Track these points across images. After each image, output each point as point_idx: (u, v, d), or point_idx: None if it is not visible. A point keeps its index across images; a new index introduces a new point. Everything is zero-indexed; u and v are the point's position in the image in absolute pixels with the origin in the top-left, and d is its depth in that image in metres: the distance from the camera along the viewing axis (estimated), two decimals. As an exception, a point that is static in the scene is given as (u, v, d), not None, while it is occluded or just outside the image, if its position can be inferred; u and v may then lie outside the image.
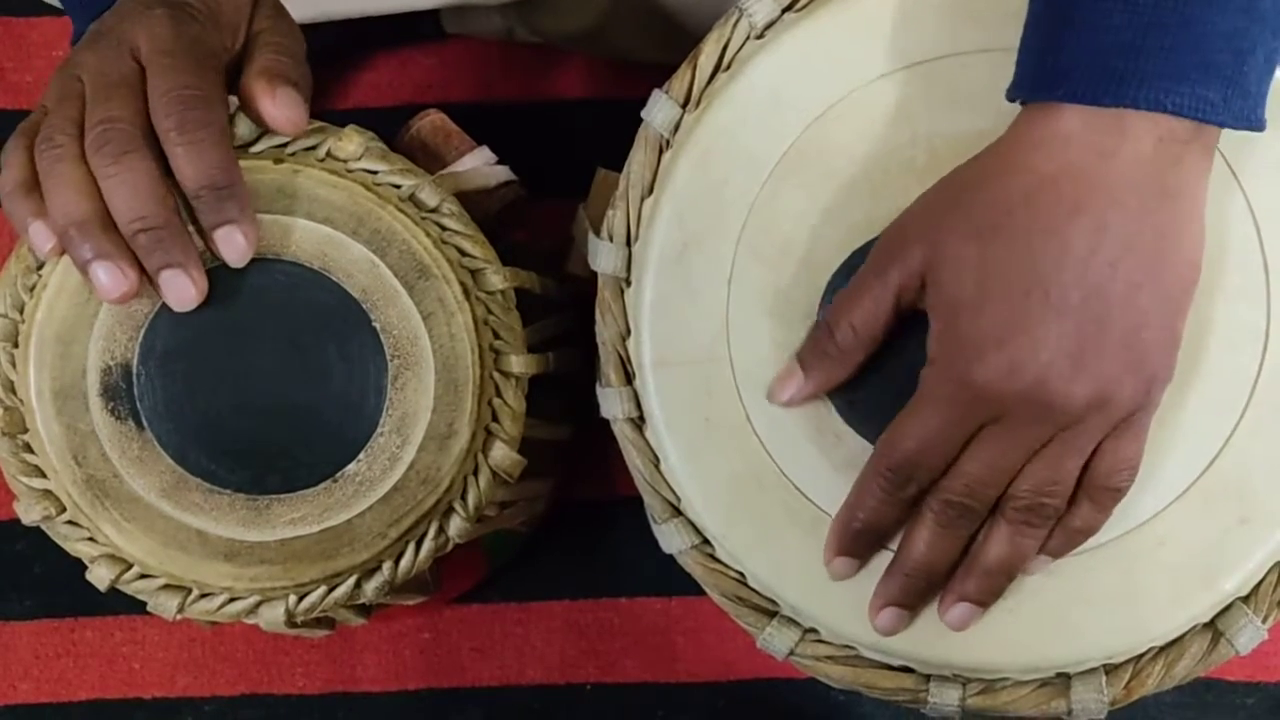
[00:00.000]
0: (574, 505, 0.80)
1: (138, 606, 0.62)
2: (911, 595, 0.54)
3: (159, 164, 0.55)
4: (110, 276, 0.55)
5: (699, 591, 0.58)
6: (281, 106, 0.57)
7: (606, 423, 0.59)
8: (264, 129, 0.59)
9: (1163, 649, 0.55)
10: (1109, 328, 0.48)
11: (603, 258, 0.58)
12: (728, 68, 0.57)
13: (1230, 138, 0.53)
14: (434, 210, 0.60)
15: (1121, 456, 0.51)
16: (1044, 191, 0.47)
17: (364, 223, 0.59)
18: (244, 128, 0.59)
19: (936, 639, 0.55)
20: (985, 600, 0.54)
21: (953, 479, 0.51)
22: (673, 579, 0.60)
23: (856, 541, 0.54)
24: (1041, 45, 0.48)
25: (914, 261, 0.50)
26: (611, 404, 0.58)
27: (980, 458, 0.51)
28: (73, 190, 0.54)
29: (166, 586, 0.61)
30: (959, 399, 0.50)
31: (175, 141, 0.54)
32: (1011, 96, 0.50)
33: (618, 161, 0.59)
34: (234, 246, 0.56)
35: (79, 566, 0.61)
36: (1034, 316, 0.47)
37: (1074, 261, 0.47)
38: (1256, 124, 0.48)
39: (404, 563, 0.60)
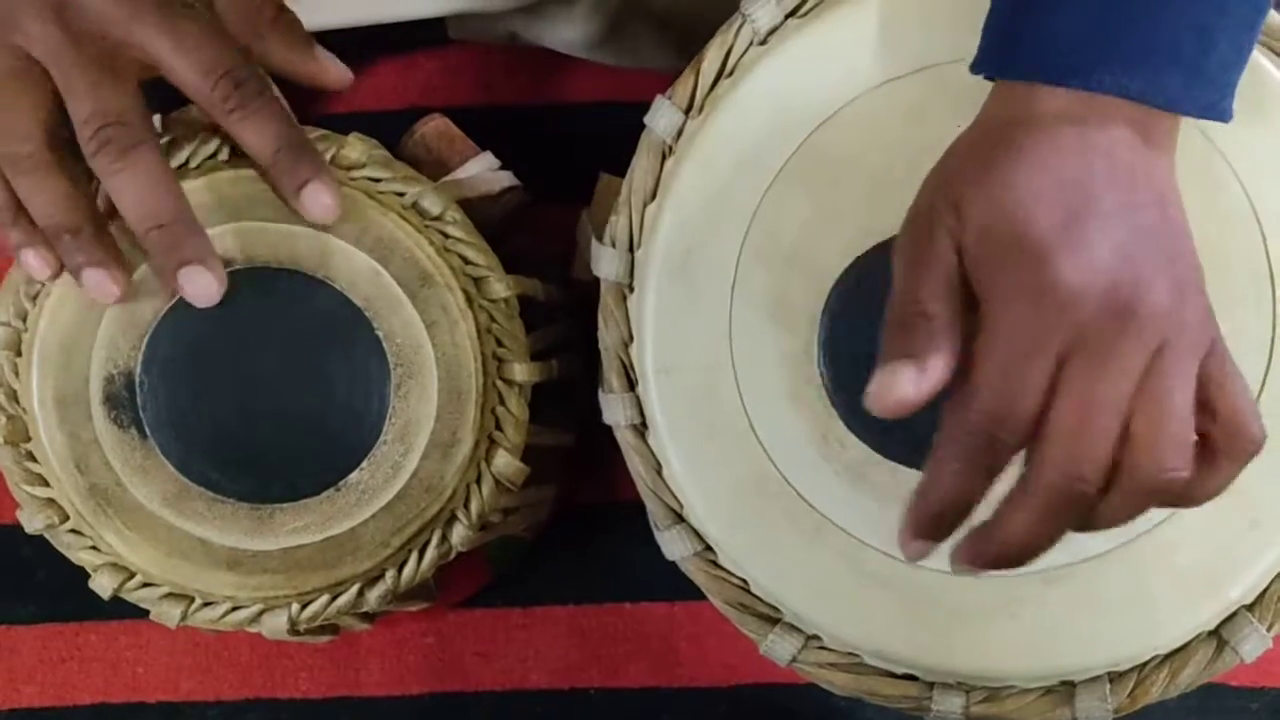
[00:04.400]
0: (577, 510, 0.80)
1: (142, 611, 0.62)
2: (989, 561, 0.47)
3: (161, 153, 0.55)
4: (101, 284, 0.56)
5: (703, 596, 0.58)
6: (330, 65, 0.59)
7: (610, 427, 0.59)
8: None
9: (1168, 657, 0.55)
10: (1152, 243, 0.45)
11: (605, 264, 0.58)
12: (731, 73, 0.57)
13: (1234, 143, 0.53)
14: (437, 218, 0.60)
15: (1236, 395, 0.45)
16: (1046, 149, 0.46)
17: (367, 231, 0.59)
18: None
19: (940, 646, 0.55)
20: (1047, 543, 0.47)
21: (1051, 446, 0.44)
22: (676, 584, 0.60)
23: (938, 524, 0.47)
24: (1006, 24, 0.48)
25: (947, 222, 0.47)
26: (614, 410, 0.58)
27: (1072, 394, 0.44)
28: (57, 199, 0.54)
29: (169, 595, 0.61)
30: (1029, 319, 0.44)
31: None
32: (975, 70, 0.49)
33: (621, 167, 0.59)
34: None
35: (83, 572, 0.61)
36: (1086, 220, 0.45)
37: (1103, 180, 0.45)
38: (1218, 115, 0.47)
39: (407, 571, 0.60)
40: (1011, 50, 0.48)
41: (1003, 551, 0.46)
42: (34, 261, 0.56)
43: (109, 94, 0.53)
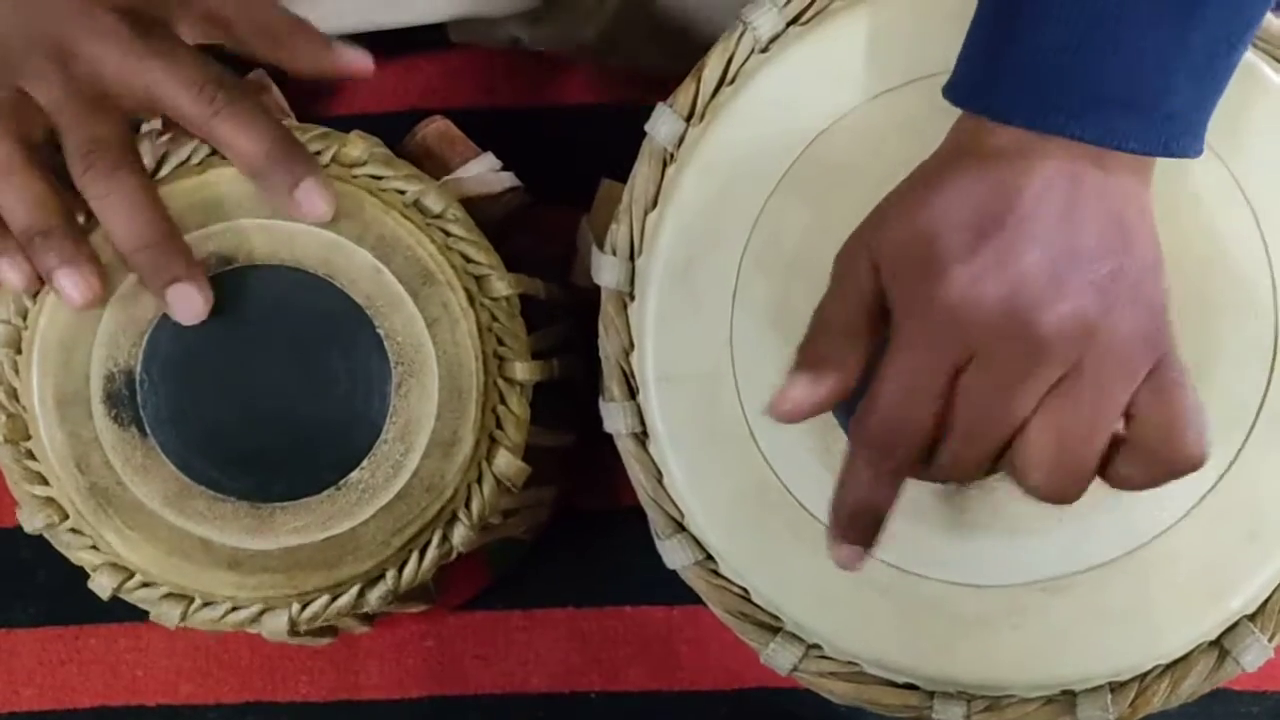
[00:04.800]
0: (578, 512, 0.80)
1: (142, 614, 0.62)
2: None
3: (148, 177, 0.56)
4: (75, 287, 0.56)
5: (703, 600, 0.58)
6: (352, 56, 0.59)
7: (610, 434, 0.59)
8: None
9: (1169, 667, 0.55)
10: (1078, 265, 0.45)
11: (606, 272, 0.58)
12: (732, 81, 0.56)
13: (1236, 151, 0.52)
14: (438, 216, 0.60)
15: (1175, 410, 0.46)
16: (979, 175, 0.47)
17: (368, 228, 0.59)
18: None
19: (941, 655, 0.55)
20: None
21: (940, 452, 0.47)
22: (677, 588, 0.60)
23: (853, 527, 0.49)
24: (975, 54, 0.48)
25: (869, 241, 0.48)
26: (615, 419, 0.57)
27: (966, 406, 0.46)
28: (27, 200, 0.55)
29: (169, 595, 0.61)
30: (925, 332, 0.46)
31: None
32: (944, 94, 0.49)
33: (621, 170, 0.59)
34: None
35: (83, 574, 0.61)
36: (995, 242, 0.45)
37: (1027, 206, 0.46)
38: (1180, 151, 0.47)
39: (408, 571, 0.60)
40: (971, 82, 0.48)
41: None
42: (8, 272, 0.56)
43: (98, 121, 0.55)
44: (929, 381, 0.46)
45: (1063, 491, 0.47)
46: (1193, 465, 0.47)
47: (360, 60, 0.60)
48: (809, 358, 0.49)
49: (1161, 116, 0.46)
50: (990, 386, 0.46)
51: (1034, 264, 0.45)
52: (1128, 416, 0.46)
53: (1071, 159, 0.46)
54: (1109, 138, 0.46)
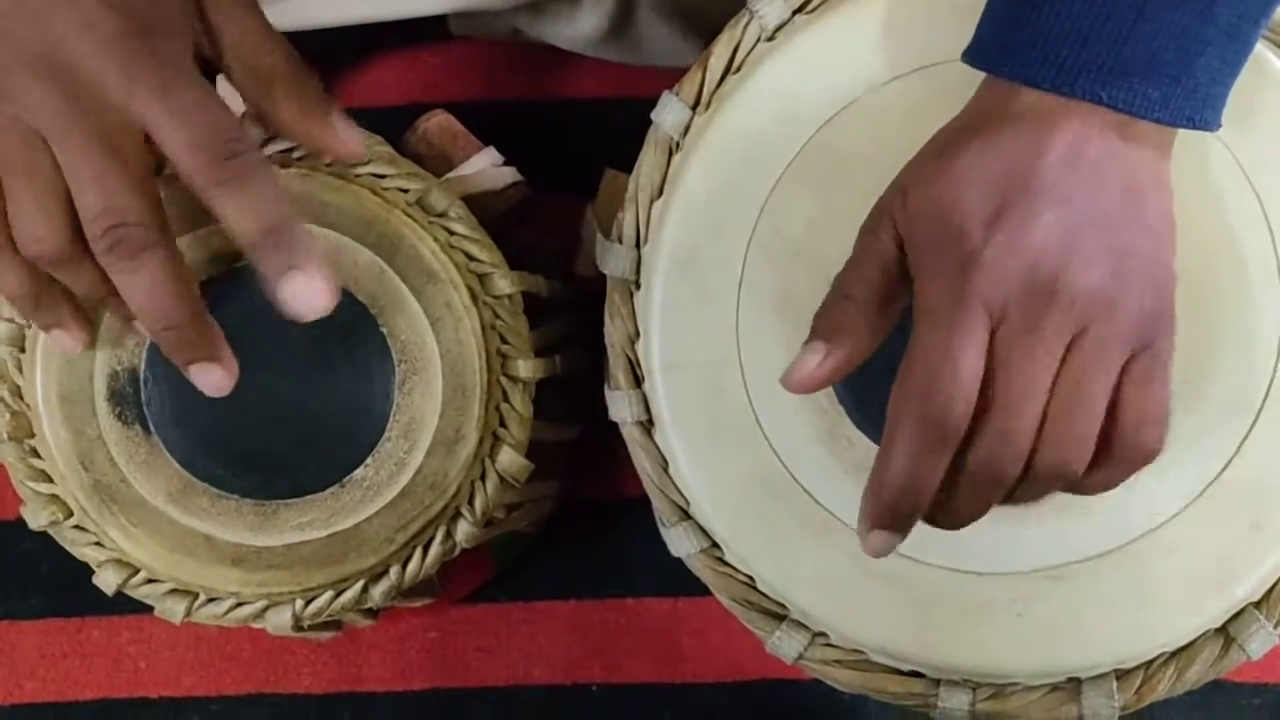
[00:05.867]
0: (581, 505, 0.80)
1: (145, 607, 0.62)
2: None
3: (175, 251, 0.50)
4: (64, 342, 0.56)
5: (706, 592, 0.58)
6: (345, 133, 0.53)
7: (615, 422, 0.59)
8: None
9: (1174, 654, 0.55)
10: (1099, 231, 0.45)
11: (612, 260, 0.58)
12: (738, 70, 0.56)
13: (1244, 142, 0.53)
14: (442, 214, 0.60)
15: (1147, 406, 0.46)
16: (1005, 139, 0.47)
17: (371, 227, 0.59)
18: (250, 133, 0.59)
19: (946, 643, 0.55)
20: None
21: (986, 422, 0.45)
22: (679, 579, 0.60)
23: (894, 513, 0.47)
24: (1000, 18, 0.48)
25: (892, 210, 0.48)
26: (620, 407, 0.57)
27: (1005, 370, 0.45)
28: (18, 276, 0.52)
29: (174, 591, 0.61)
30: (955, 299, 0.45)
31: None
32: (964, 58, 0.49)
33: (624, 162, 0.59)
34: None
35: (86, 566, 0.61)
36: (1019, 201, 0.45)
37: (1054, 170, 0.46)
38: (1202, 124, 0.47)
39: (411, 567, 0.60)
40: (997, 46, 0.48)
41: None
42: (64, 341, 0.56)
43: (117, 187, 0.48)
44: (965, 345, 0.45)
45: (1065, 465, 0.46)
46: (1149, 457, 0.47)
47: (355, 144, 0.54)
48: (824, 326, 0.48)
49: (1187, 87, 0.46)
50: (1012, 355, 0.45)
51: (1057, 227, 0.45)
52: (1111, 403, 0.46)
53: (1096, 125, 0.46)
54: (1136, 105, 0.46)
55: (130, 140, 0.48)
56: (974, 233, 0.45)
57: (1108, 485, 0.48)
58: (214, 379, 0.52)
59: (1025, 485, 0.47)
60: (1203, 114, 0.47)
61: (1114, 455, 0.47)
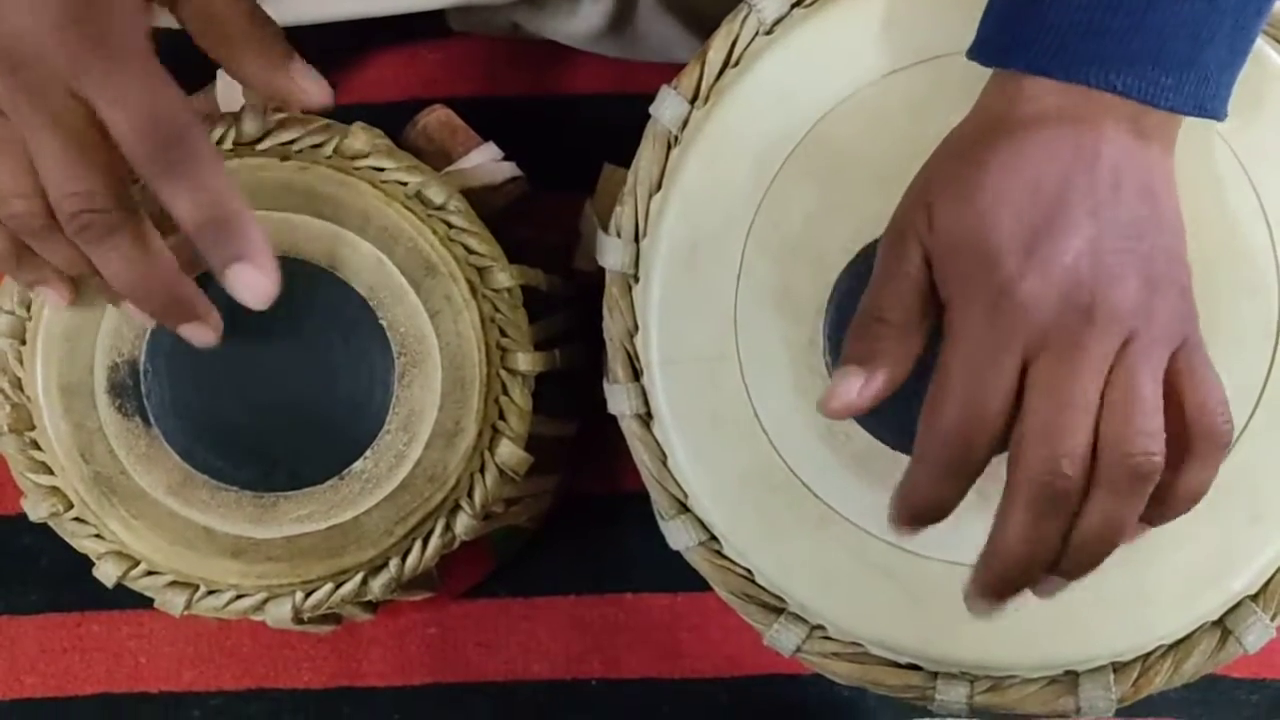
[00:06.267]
0: (580, 500, 0.80)
1: (144, 601, 0.62)
2: (1008, 586, 0.47)
3: (145, 225, 0.49)
4: (50, 297, 0.57)
5: (705, 587, 0.58)
6: (305, 81, 0.52)
7: (613, 417, 0.59)
8: (285, 109, 0.58)
9: (1171, 647, 0.55)
10: (1126, 241, 0.45)
11: (610, 254, 0.58)
12: (736, 64, 0.57)
13: (1242, 138, 0.53)
14: (441, 207, 0.60)
15: (1203, 391, 0.46)
16: (1026, 150, 0.47)
17: (371, 220, 0.59)
18: (250, 125, 0.59)
19: (944, 636, 0.55)
20: (1078, 574, 0.47)
21: (1027, 446, 0.45)
22: (679, 574, 0.60)
23: (916, 523, 0.48)
24: (1005, 14, 0.48)
25: (919, 227, 0.48)
26: (619, 401, 0.58)
27: (1040, 392, 0.45)
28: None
29: (173, 583, 0.61)
30: (989, 324, 0.45)
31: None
32: (970, 56, 0.49)
33: (623, 158, 0.59)
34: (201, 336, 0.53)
35: (86, 561, 0.62)
36: (1051, 222, 0.45)
37: (1079, 180, 0.46)
38: (1212, 113, 0.47)
39: (411, 560, 0.60)
40: (1004, 39, 0.48)
41: (1005, 568, 0.47)
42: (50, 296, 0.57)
43: (79, 171, 0.47)
44: (998, 374, 0.45)
45: (1136, 475, 0.45)
46: (1225, 439, 0.46)
47: (318, 91, 0.53)
48: (860, 352, 0.48)
49: (1199, 74, 0.46)
50: (1056, 377, 0.45)
51: (1089, 247, 0.45)
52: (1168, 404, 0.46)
53: (1112, 125, 0.46)
54: (1150, 92, 0.46)
55: (91, 121, 0.47)
56: (1008, 260, 0.45)
57: (1201, 484, 0.47)
58: (201, 335, 0.53)
59: (1103, 498, 0.45)
60: (1213, 102, 0.47)
61: (1194, 447, 0.46)
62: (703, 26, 0.58)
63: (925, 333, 0.48)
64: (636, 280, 0.58)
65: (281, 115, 0.60)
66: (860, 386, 0.47)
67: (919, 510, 0.47)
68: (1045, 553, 0.46)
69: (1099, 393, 0.45)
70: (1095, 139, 0.46)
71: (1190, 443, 0.46)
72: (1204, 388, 0.46)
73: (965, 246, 0.46)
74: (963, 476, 0.46)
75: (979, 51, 0.49)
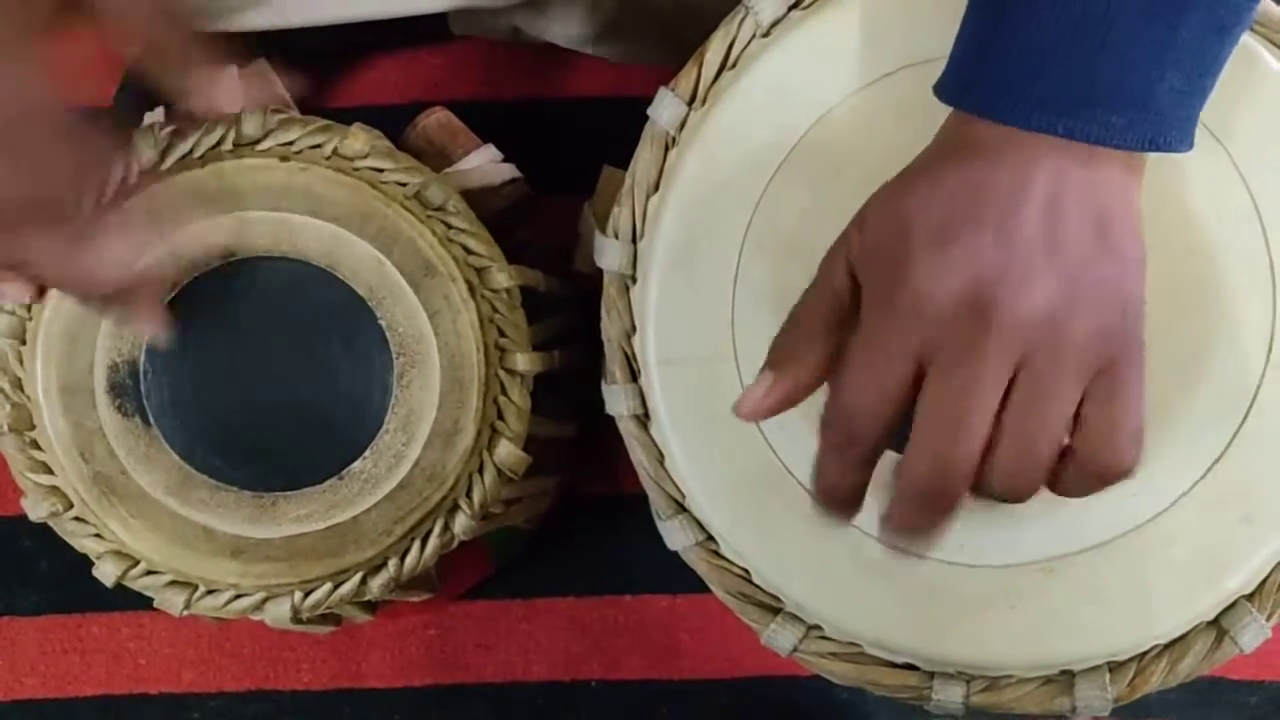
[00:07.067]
0: (579, 502, 0.80)
1: (144, 602, 0.62)
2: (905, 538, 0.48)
3: (92, 252, 0.51)
4: (15, 294, 0.58)
5: (703, 589, 0.59)
6: (213, 87, 0.53)
7: (612, 419, 0.59)
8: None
9: (1167, 647, 0.55)
10: (1045, 255, 0.45)
11: (608, 255, 0.58)
12: (734, 65, 0.57)
13: (1236, 137, 0.53)
14: (440, 208, 0.60)
15: (1110, 423, 0.45)
16: (962, 169, 0.46)
17: (370, 220, 0.59)
18: (250, 125, 0.59)
19: (940, 636, 0.55)
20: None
21: (911, 448, 0.45)
22: (677, 576, 0.60)
23: (830, 502, 0.49)
24: (965, 51, 0.48)
25: (850, 242, 0.48)
26: (616, 401, 0.58)
27: (929, 396, 0.45)
28: None
29: (173, 583, 0.61)
30: (886, 322, 0.45)
31: None
32: (935, 93, 0.49)
33: (622, 160, 0.59)
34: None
35: (86, 562, 0.62)
36: (964, 224, 0.45)
37: (1006, 190, 0.45)
38: (1168, 146, 0.46)
39: (409, 560, 0.60)
40: (959, 79, 0.48)
41: (893, 540, 0.47)
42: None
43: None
44: (888, 370, 0.45)
45: (1016, 489, 0.46)
46: (1121, 474, 0.46)
47: (225, 100, 0.54)
48: (773, 355, 0.49)
49: (1151, 113, 0.46)
50: (951, 377, 0.45)
51: (1002, 256, 0.44)
52: (1076, 418, 0.45)
53: (1056, 152, 0.45)
54: (1098, 135, 0.45)
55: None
56: (913, 256, 0.45)
57: (1071, 495, 0.47)
58: (153, 333, 0.57)
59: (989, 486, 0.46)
60: (1168, 136, 0.46)
61: (1075, 471, 0.46)
62: (697, 30, 0.59)
63: (838, 341, 0.48)
64: (634, 281, 0.58)
65: (281, 116, 0.60)
66: (766, 388, 0.48)
67: (826, 492, 0.48)
68: (928, 529, 0.47)
69: (996, 397, 0.45)
70: (1033, 165, 0.45)
71: (1075, 466, 0.46)
72: (1112, 420, 0.45)
73: (882, 248, 0.46)
74: (855, 461, 0.47)
75: (939, 90, 0.49)
